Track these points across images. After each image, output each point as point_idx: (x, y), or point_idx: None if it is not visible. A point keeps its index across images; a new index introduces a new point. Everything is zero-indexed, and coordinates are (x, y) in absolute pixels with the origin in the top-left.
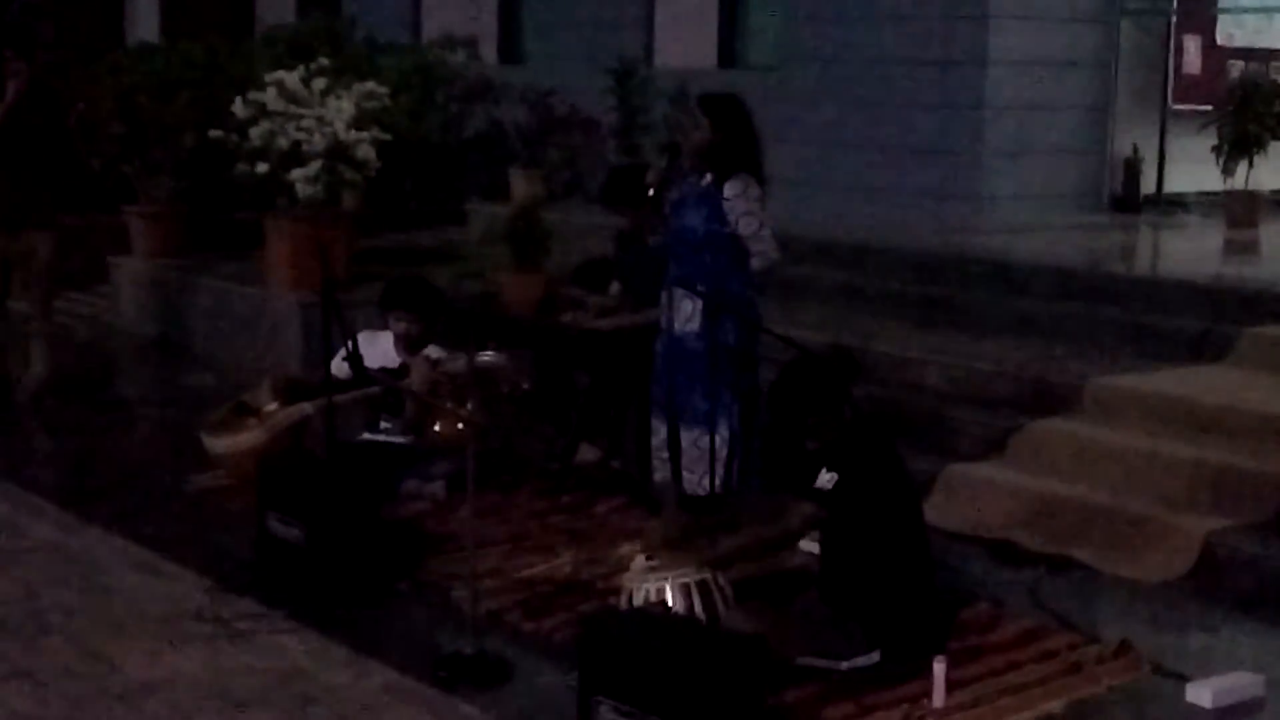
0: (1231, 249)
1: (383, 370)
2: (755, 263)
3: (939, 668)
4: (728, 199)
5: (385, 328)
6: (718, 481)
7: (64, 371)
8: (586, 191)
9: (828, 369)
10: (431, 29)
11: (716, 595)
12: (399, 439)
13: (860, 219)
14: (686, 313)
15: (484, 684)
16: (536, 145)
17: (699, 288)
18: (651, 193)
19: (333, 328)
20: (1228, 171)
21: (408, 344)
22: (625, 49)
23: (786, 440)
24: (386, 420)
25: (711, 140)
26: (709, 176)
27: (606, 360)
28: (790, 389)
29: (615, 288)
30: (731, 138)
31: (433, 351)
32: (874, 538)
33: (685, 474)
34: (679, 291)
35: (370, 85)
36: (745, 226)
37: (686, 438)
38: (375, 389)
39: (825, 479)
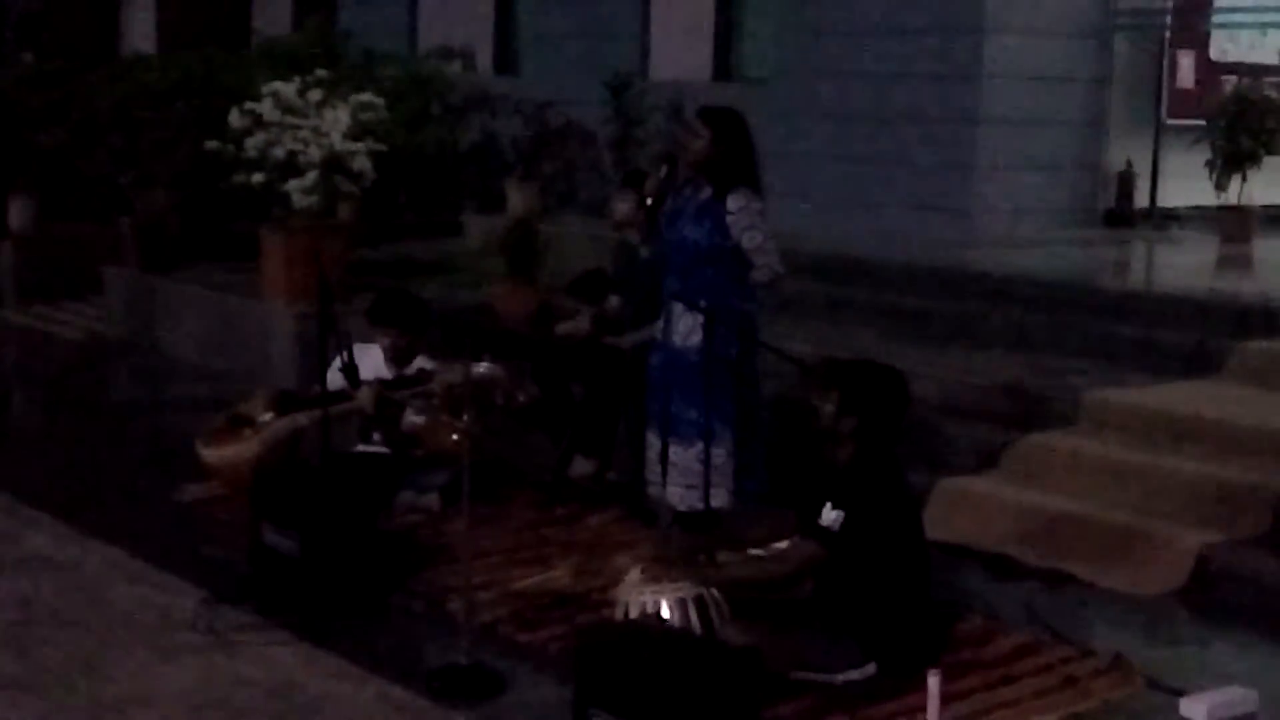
0: (1225, 264)
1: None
2: (760, 275)
3: (933, 681)
4: (731, 212)
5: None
6: (724, 496)
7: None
8: (582, 203)
9: (900, 381)
10: (428, 40)
11: (712, 609)
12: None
13: (854, 232)
14: (687, 327)
15: (478, 696)
16: (532, 157)
17: (701, 303)
18: (649, 203)
19: (328, 339)
20: (1221, 186)
21: (394, 356)
22: (621, 61)
23: (805, 449)
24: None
25: (711, 152)
26: (708, 189)
27: (602, 372)
28: (862, 385)
29: (614, 300)
30: (732, 151)
31: (424, 363)
32: (875, 557)
33: (680, 489)
34: (678, 306)
35: (366, 96)
36: (749, 240)
37: (682, 453)
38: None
39: (831, 517)
